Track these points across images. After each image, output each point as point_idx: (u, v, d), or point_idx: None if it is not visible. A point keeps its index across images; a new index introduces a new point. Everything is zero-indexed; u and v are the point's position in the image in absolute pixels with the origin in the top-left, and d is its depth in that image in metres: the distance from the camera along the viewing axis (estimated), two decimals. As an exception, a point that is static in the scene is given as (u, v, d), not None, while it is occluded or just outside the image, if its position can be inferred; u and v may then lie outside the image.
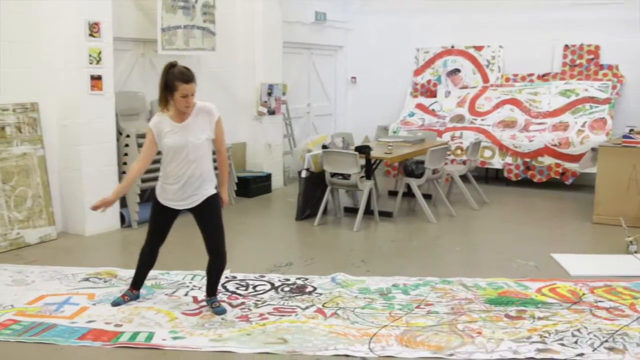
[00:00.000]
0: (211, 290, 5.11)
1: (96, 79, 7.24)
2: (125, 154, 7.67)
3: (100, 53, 7.24)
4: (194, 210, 4.89)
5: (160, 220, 5.00)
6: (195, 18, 8.48)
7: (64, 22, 7.05)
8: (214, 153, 4.93)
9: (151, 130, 4.74)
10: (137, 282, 5.24)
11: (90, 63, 7.17)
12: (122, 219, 7.68)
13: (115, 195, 4.82)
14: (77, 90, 7.12)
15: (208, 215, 4.89)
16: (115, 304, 5.12)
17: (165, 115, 4.71)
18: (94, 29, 7.16)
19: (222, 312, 4.97)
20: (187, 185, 4.77)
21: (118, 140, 7.65)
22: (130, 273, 5.83)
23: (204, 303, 5.15)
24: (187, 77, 4.56)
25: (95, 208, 4.79)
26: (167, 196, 4.85)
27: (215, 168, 4.98)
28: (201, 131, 4.73)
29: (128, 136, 7.64)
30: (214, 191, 4.88)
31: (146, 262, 5.17)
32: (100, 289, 5.52)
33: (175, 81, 4.53)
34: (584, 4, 10.80)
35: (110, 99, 7.44)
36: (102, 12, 7.26)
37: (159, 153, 4.83)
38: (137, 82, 8.38)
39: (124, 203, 7.69)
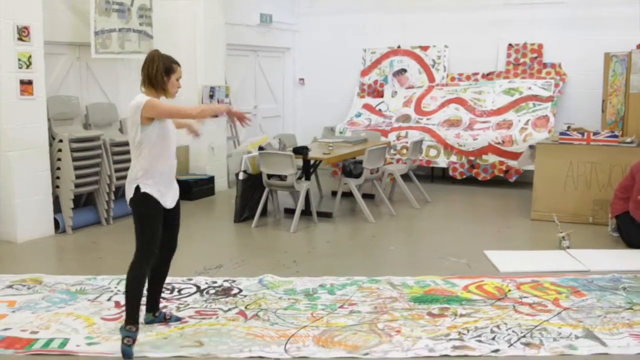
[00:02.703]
0: (157, 301, 4.81)
1: (26, 84, 7.11)
2: (59, 159, 7.54)
3: (30, 57, 7.11)
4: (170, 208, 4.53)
5: (158, 223, 4.42)
6: (131, 21, 8.39)
7: (-9, 25, 6.93)
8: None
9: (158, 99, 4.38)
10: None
11: (20, 67, 7.03)
12: (57, 224, 7.55)
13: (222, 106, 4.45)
14: (5, 95, 6.96)
15: (178, 210, 4.67)
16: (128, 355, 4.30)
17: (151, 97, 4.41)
18: (23, 33, 7.03)
19: (178, 319, 4.86)
20: (174, 180, 4.56)
21: (51, 145, 7.53)
22: (57, 279, 5.80)
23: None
24: (177, 60, 4.51)
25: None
26: (164, 192, 4.42)
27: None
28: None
29: (61, 141, 7.52)
30: None
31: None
32: (22, 296, 5.40)
33: (172, 63, 4.43)
34: (527, 3, 10.92)
35: (42, 104, 7.30)
36: (31, 16, 7.12)
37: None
38: (73, 87, 8.26)
39: (58, 208, 7.57)
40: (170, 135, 4.46)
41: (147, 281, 4.55)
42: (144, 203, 4.33)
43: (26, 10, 7.08)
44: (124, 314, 4.67)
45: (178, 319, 4.87)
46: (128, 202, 4.42)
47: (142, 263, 4.38)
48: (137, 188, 4.32)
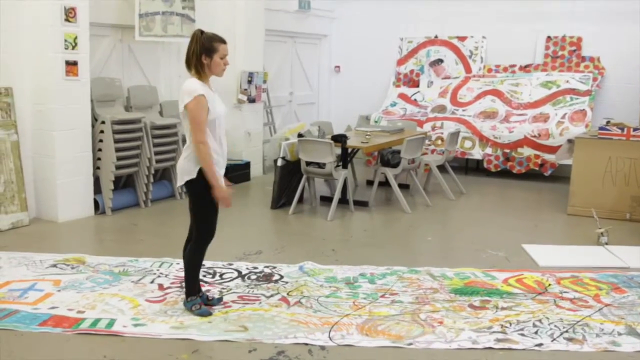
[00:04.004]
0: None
1: (72, 65, 7.20)
2: (100, 141, 7.63)
3: (76, 38, 7.20)
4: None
5: (215, 202, 4.55)
6: (175, 4, 8.44)
7: (39, 6, 6.98)
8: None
9: (203, 95, 4.38)
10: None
11: (66, 48, 7.11)
12: (96, 205, 7.65)
13: (222, 188, 4.48)
14: (52, 75, 7.06)
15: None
16: (206, 313, 4.72)
17: (205, 84, 4.49)
18: (70, 14, 7.11)
19: (220, 299, 4.99)
20: (225, 157, 4.64)
21: (93, 126, 7.62)
22: (99, 260, 5.89)
23: (169, 292, 5.13)
24: (223, 38, 4.53)
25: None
26: (217, 173, 4.51)
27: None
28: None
29: (103, 122, 7.60)
30: None
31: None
32: (66, 276, 5.50)
33: (214, 42, 4.45)
34: (567, -5, 10.83)
35: (86, 85, 7.39)
36: (79, -3, 7.23)
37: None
38: (115, 69, 8.34)
39: (98, 189, 7.67)
40: (218, 117, 4.51)
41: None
42: (200, 183, 4.50)
43: (73, -9, 7.17)
44: (167, 296, 4.81)
45: (220, 299, 4.97)
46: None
47: (205, 242, 4.67)
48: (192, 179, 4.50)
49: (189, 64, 4.50)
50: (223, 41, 4.52)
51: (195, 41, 4.45)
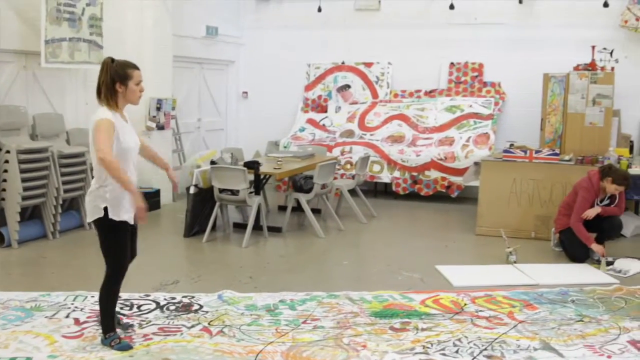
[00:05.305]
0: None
1: (-28, 93, 6.96)
2: (5, 171, 7.34)
3: (-23, 65, 6.97)
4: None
5: (125, 239, 4.50)
6: (82, 31, 8.27)
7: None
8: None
9: (111, 121, 4.26)
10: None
11: (-34, 76, 6.88)
12: (1, 238, 7.36)
13: (139, 196, 4.34)
14: (-50, 103, 6.82)
15: (137, 225, 4.66)
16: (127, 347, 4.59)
17: (116, 113, 4.38)
18: (-30, 40, 6.88)
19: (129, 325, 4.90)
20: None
21: (-3, 156, 7.36)
22: (8, 295, 5.66)
23: (86, 326, 4.99)
24: (135, 64, 4.45)
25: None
26: (125, 208, 4.41)
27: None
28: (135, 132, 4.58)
29: (8, 152, 7.33)
30: None
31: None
32: (-26, 313, 5.27)
33: (127, 69, 4.37)
34: (469, 23, 11.21)
35: (-12, 114, 7.15)
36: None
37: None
38: (19, 96, 8.06)
39: (3, 222, 7.38)
40: (128, 149, 4.42)
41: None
42: (105, 219, 4.40)
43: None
44: (84, 331, 4.68)
45: (130, 325, 4.92)
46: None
47: (117, 279, 4.53)
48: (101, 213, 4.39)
49: (99, 93, 4.41)
50: (136, 67, 4.47)
51: (106, 70, 4.38)
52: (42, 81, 8.39)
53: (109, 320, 4.59)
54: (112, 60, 4.43)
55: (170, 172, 5.03)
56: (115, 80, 4.36)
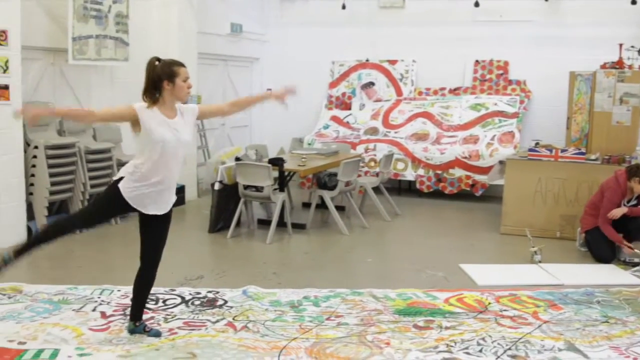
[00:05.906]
0: (140, 311, 4.79)
1: (3, 89, 7.02)
2: (33, 166, 7.45)
3: (7, 62, 7.03)
4: (155, 217, 4.54)
5: (112, 215, 4.88)
6: (108, 28, 8.35)
7: (-32, 29, 6.83)
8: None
9: (133, 107, 4.36)
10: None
11: (-3, 72, 6.96)
12: (29, 232, 7.44)
13: (49, 112, 4.50)
14: (-18, 99, 6.90)
15: (165, 224, 4.67)
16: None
17: (154, 108, 4.40)
18: (1, 37, 6.95)
19: (158, 334, 4.78)
20: (169, 188, 4.51)
21: (26, 151, 7.43)
22: (37, 288, 5.73)
23: (113, 319, 5.04)
24: (181, 62, 4.48)
25: (20, 112, 4.58)
26: (144, 200, 4.43)
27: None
28: (189, 131, 4.56)
29: (36, 147, 7.44)
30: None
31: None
32: (3, 306, 5.33)
33: (173, 67, 4.39)
34: (495, 20, 11.15)
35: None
36: (10, 19, 7.04)
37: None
38: (47, 92, 8.15)
39: (31, 215, 7.47)
40: (158, 142, 4.36)
41: (133, 289, 4.73)
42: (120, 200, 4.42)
43: (4, 14, 6.99)
44: (111, 324, 4.76)
45: (158, 334, 4.78)
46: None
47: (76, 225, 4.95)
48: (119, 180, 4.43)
49: (144, 92, 4.43)
50: (182, 65, 4.48)
51: (152, 69, 4.40)
52: (69, 78, 8.47)
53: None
54: (158, 59, 4.44)
55: (267, 94, 5.29)
56: (162, 79, 4.37)
